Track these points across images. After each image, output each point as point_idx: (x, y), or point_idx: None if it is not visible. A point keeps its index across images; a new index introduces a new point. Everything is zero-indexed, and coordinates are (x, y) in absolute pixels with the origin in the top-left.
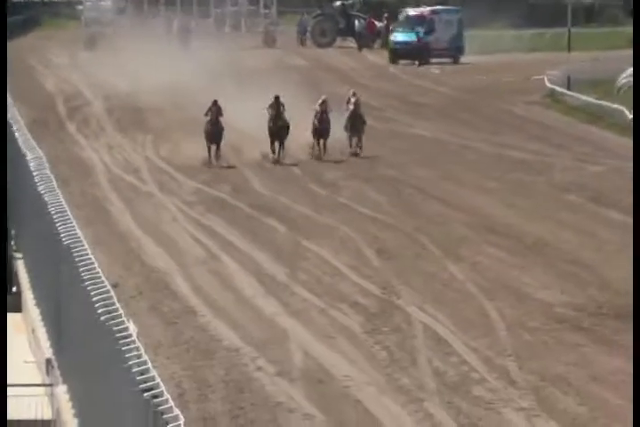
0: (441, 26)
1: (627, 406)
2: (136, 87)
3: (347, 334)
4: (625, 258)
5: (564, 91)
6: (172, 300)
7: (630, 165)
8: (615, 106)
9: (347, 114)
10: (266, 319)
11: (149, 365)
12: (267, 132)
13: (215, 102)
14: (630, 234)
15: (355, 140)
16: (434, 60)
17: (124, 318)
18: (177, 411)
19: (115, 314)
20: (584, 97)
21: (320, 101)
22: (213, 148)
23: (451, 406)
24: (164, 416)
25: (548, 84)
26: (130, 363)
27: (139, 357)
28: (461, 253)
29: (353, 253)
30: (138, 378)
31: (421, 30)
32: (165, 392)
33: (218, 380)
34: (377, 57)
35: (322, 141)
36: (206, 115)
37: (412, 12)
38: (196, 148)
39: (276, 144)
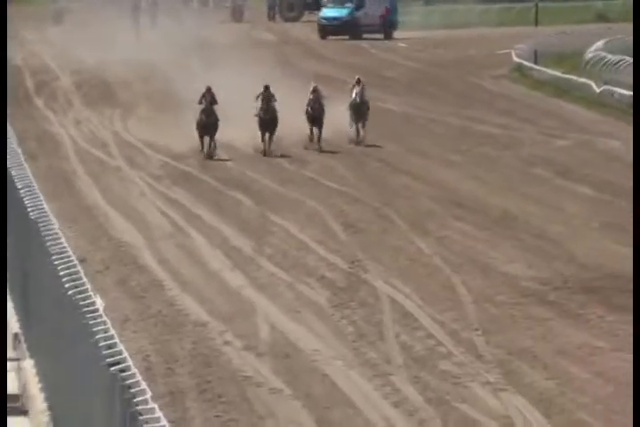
0: (371, 2)
1: (594, 381)
2: (103, 62)
3: (314, 309)
4: (591, 232)
5: (532, 65)
6: (140, 274)
7: (598, 139)
8: (582, 80)
9: (350, 100)
10: (233, 293)
11: (116, 339)
12: (256, 124)
13: (209, 89)
14: (597, 208)
15: (359, 126)
16: (365, 36)
17: (91, 293)
18: (144, 385)
19: (82, 289)
20: (551, 71)
21: (311, 89)
22: (206, 140)
23: (418, 381)
24: (132, 391)
25: (516, 59)
26: (97, 337)
27: (106, 331)
28: (428, 228)
29: (319, 228)
30: (105, 352)
31: (351, 6)
32: (132, 367)
33: (185, 354)
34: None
35: (316, 130)
36: (200, 103)
37: None
38: (164, 121)
39: (266, 136)
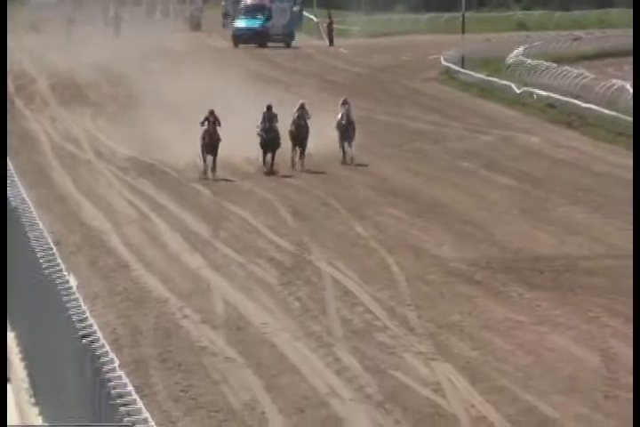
0: (277, 14)
1: (515, 351)
2: (76, 66)
3: (264, 286)
4: (512, 218)
5: (459, 68)
6: (108, 256)
7: (518, 135)
8: (504, 82)
9: (337, 120)
10: (191, 273)
11: (87, 314)
12: (258, 143)
13: (212, 112)
14: (518, 196)
15: (345, 146)
16: (270, 44)
17: (64, 272)
18: (112, 355)
19: (57, 268)
20: (476, 74)
21: (298, 106)
22: (210, 159)
23: (357, 351)
24: (101, 360)
25: (444, 63)
26: (70, 312)
27: (78, 306)
28: (366, 214)
29: (269, 215)
30: (77, 326)
31: (262, 17)
32: (101, 338)
33: (148, 327)
34: (296, 42)
35: (299, 149)
36: (202, 124)
37: (251, 0)
38: (129, 119)
39: (268, 156)
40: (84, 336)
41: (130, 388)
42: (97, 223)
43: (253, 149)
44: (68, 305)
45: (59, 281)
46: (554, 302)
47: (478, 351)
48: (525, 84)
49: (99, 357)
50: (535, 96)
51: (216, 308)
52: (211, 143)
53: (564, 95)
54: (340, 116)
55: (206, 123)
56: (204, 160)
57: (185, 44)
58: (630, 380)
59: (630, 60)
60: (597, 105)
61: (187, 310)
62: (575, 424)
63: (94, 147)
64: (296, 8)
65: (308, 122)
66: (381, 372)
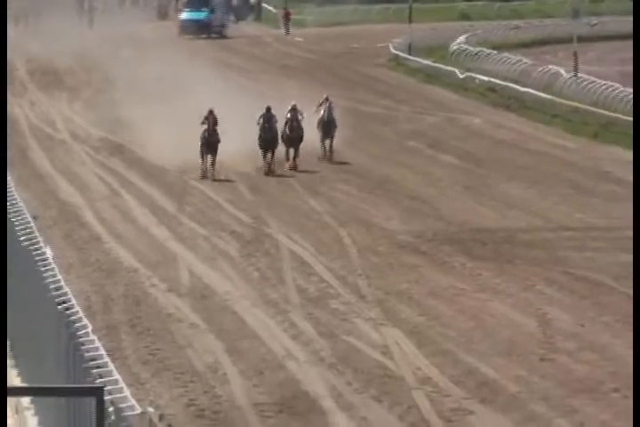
0: (218, 7)
1: (458, 317)
2: (52, 54)
3: (226, 257)
4: (456, 193)
5: (406, 55)
6: (82, 229)
7: (461, 117)
8: (448, 68)
9: (318, 117)
10: (158, 245)
11: (62, 282)
12: (257, 144)
13: (211, 111)
14: (461, 174)
15: (327, 143)
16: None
17: (41, 244)
18: (85, 321)
19: (34, 241)
20: (423, 60)
21: (290, 108)
22: (209, 159)
23: (311, 317)
24: (75, 325)
25: (393, 50)
26: (46, 281)
27: (54, 276)
28: (320, 190)
29: (230, 191)
30: (53, 293)
31: (206, 10)
32: (76, 305)
33: (119, 295)
34: (250, 28)
35: (292, 151)
36: (202, 123)
37: None
38: (103, 102)
39: (268, 155)
40: (59, 303)
41: (102, 351)
42: (72, 199)
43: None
44: (45, 275)
45: (36, 252)
46: (494, 272)
47: (424, 317)
48: (468, 70)
49: (73, 322)
50: (477, 81)
51: (182, 277)
52: (210, 143)
53: (504, 80)
54: (321, 113)
55: (205, 122)
56: (203, 160)
57: (154, 33)
58: (565, 344)
59: (565, 46)
60: (535, 89)
61: (154, 280)
62: (513, 385)
63: (70, 128)
64: (254, 0)
65: (302, 123)
66: (334, 336)
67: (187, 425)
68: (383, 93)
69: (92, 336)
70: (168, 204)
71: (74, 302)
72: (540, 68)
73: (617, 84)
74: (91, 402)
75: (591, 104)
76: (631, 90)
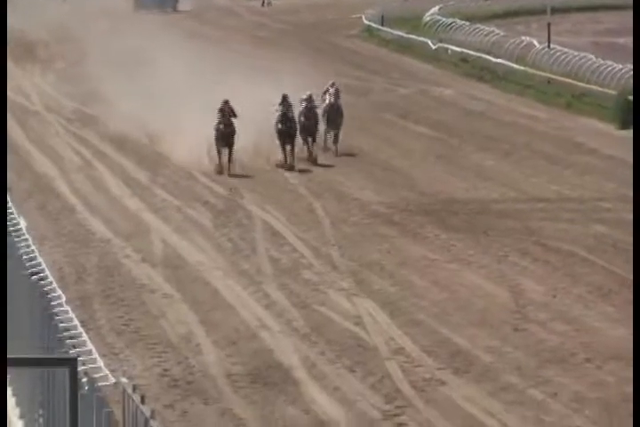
0: None
1: (430, 287)
2: (26, 26)
3: (198, 228)
4: (428, 164)
5: (379, 26)
6: (55, 200)
7: (433, 88)
8: (421, 39)
9: (323, 105)
10: (132, 216)
11: (36, 253)
12: (275, 136)
13: (226, 102)
14: (433, 144)
15: (331, 134)
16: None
17: (15, 215)
18: (59, 291)
19: (8, 212)
20: (395, 31)
21: (305, 97)
22: (225, 151)
23: (284, 288)
24: (49, 295)
25: (366, 21)
26: (20, 252)
27: (27, 247)
28: (294, 162)
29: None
30: (27, 264)
31: None
32: (49, 276)
33: (92, 266)
34: (228, 1)
35: (310, 141)
36: (219, 115)
37: None
38: (75, 74)
39: (287, 147)
40: (33, 274)
41: (76, 322)
42: (45, 170)
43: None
44: (19, 245)
45: (10, 224)
46: (467, 243)
47: (397, 288)
48: (440, 41)
49: (46, 293)
50: (449, 52)
51: (154, 248)
52: (225, 135)
53: (477, 51)
54: (327, 99)
55: (221, 113)
56: (219, 153)
57: (127, 5)
58: (538, 315)
59: (538, 18)
60: (508, 60)
61: (128, 250)
62: (486, 355)
63: (43, 100)
64: None
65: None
66: (307, 307)
67: (160, 395)
68: (357, 64)
69: (66, 307)
70: (141, 175)
71: (47, 272)
72: (513, 40)
73: (590, 55)
74: (64, 373)
75: (564, 75)
76: (604, 61)
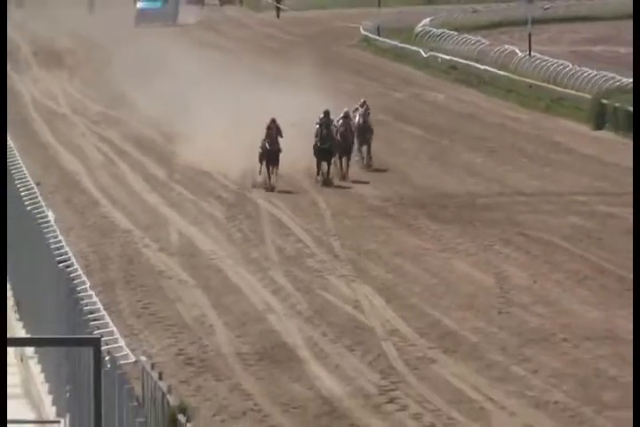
0: None
1: (422, 274)
2: (54, 35)
3: (212, 220)
4: (421, 162)
5: (376, 37)
6: (81, 194)
7: (426, 92)
8: (414, 48)
9: (354, 124)
10: (150, 209)
11: (63, 243)
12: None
13: (274, 121)
14: (426, 144)
15: (364, 149)
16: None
17: (44, 208)
18: (84, 277)
19: (37, 205)
20: (390, 41)
21: (342, 115)
22: (271, 170)
23: (289, 274)
24: (75, 281)
25: (363, 32)
26: (48, 242)
27: (55, 237)
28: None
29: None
30: (55, 253)
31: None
32: (75, 263)
33: (115, 254)
34: (234, 12)
35: (345, 160)
36: (266, 132)
37: None
38: (100, 80)
39: (324, 164)
40: (60, 262)
41: (99, 305)
42: (72, 167)
43: None
44: (47, 236)
45: (39, 216)
46: (456, 233)
47: (392, 274)
48: (432, 50)
49: (73, 279)
50: (440, 60)
51: (171, 238)
52: (271, 153)
53: (465, 59)
54: (357, 118)
55: (268, 132)
56: (267, 170)
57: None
58: (520, 298)
59: (520, 28)
60: (492, 67)
61: (147, 240)
62: (473, 336)
63: (70, 103)
64: None
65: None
66: (310, 292)
67: (176, 372)
68: (355, 71)
69: (90, 292)
70: (159, 172)
71: (73, 260)
72: (497, 48)
73: (567, 63)
74: (89, 352)
75: (543, 81)
76: (580, 68)
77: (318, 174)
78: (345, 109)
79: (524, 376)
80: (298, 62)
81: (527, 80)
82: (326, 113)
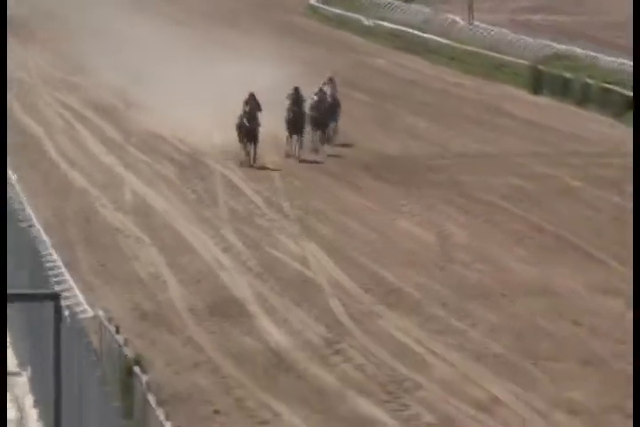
0: None
1: (364, 231)
2: (29, 12)
3: (166, 181)
4: (366, 126)
5: (320, 5)
6: (43, 158)
7: (369, 58)
8: (356, 16)
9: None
10: (107, 170)
11: (25, 204)
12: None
13: (252, 95)
14: (371, 109)
15: (332, 125)
16: None
17: (8, 171)
18: (45, 237)
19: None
20: (334, 9)
21: (317, 90)
22: (250, 147)
23: (240, 233)
24: (36, 240)
25: (310, 1)
26: (12, 202)
27: (17, 197)
28: None
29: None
30: (17, 213)
31: None
32: (36, 223)
33: (73, 214)
34: None
35: (319, 133)
36: (244, 108)
37: None
38: (70, 51)
39: (294, 138)
40: (22, 221)
41: (59, 263)
42: (35, 132)
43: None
44: (10, 195)
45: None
46: (400, 194)
47: (338, 233)
48: (376, 18)
49: (34, 238)
50: (383, 27)
51: (127, 198)
52: (249, 130)
53: (407, 27)
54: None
55: (246, 107)
56: (246, 148)
57: None
58: (461, 256)
59: None
60: (434, 35)
61: (104, 200)
62: (416, 292)
63: (40, 74)
64: None
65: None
66: (260, 249)
67: (132, 326)
68: (303, 39)
69: (51, 250)
70: (116, 136)
71: (35, 220)
72: (440, 17)
73: (507, 31)
74: (49, 307)
75: (484, 48)
76: (519, 36)
77: (289, 143)
78: (328, 73)
79: (463, 330)
80: (246, 31)
81: (469, 48)
82: (296, 89)
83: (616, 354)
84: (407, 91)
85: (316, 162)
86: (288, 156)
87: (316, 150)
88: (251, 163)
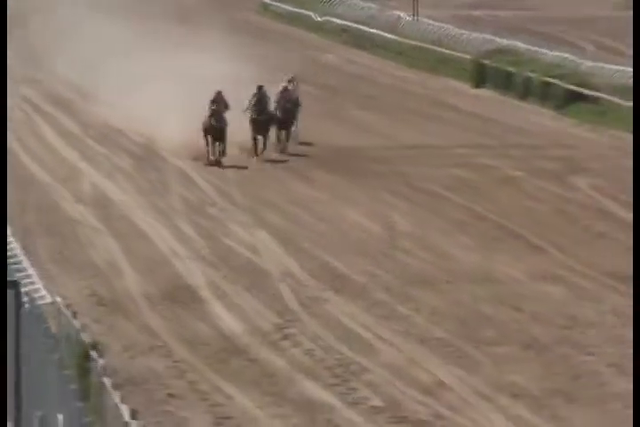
0: None
1: (314, 221)
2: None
3: (123, 173)
4: (315, 119)
5: (272, 2)
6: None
7: (318, 53)
8: (306, 12)
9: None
10: (67, 163)
11: None
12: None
13: (219, 93)
14: (320, 102)
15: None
16: None
17: None
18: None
19: None
20: (285, 6)
21: (280, 89)
22: (217, 147)
23: (193, 222)
24: None
25: None
26: None
27: None
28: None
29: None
30: None
31: None
32: None
33: (33, 204)
34: None
35: (284, 133)
36: (210, 107)
37: None
38: (30, 49)
39: (258, 137)
40: None
41: (18, 251)
42: None
43: None
44: None
45: None
46: (348, 184)
47: (287, 222)
48: (324, 14)
49: None
50: (332, 23)
51: (85, 190)
52: (216, 129)
53: (355, 23)
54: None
55: (213, 105)
56: (209, 145)
57: None
58: (405, 244)
59: None
60: (381, 30)
61: (63, 192)
62: (361, 278)
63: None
64: None
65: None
66: (212, 238)
67: (89, 312)
68: (256, 36)
69: (11, 238)
70: (75, 129)
71: None
72: (386, 13)
73: (450, 26)
74: (10, 293)
75: (429, 43)
76: (461, 31)
77: (254, 146)
78: (282, 84)
79: (407, 315)
80: (196, 28)
81: (414, 42)
82: (260, 87)
83: (557, 339)
84: (355, 85)
85: (282, 161)
86: (256, 153)
87: (282, 150)
88: (215, 161)
